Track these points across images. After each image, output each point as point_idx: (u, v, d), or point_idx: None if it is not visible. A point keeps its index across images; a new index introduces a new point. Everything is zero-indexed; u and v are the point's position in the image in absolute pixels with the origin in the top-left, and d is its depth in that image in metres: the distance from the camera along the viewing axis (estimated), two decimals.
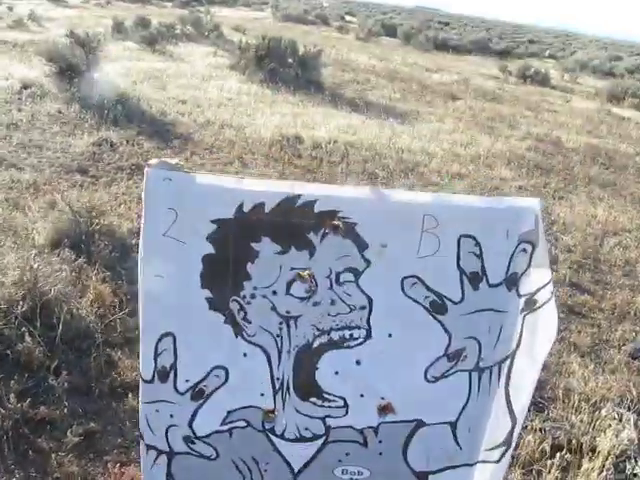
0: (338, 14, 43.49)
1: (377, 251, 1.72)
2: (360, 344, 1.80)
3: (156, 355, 1.80)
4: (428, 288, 1.75)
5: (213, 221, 1.70)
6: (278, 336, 1.80)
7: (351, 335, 1.80)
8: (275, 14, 36.43)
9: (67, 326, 3.39)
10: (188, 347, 1.80)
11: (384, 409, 1.85)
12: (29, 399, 2.88)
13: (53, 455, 2.73)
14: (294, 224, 1.71)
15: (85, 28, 13.00)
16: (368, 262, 1.73)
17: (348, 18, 43.05)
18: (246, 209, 1.69)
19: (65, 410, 2.95)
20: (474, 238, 1.72)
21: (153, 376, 1.81)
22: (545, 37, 56.82)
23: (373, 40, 27.99)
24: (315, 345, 1.80)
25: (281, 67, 13.03)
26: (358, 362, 1.81)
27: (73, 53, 10.04)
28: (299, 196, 1.69)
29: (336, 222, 1.69)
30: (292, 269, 1.73)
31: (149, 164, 1.67)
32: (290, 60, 13.37)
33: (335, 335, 1.79)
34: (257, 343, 1.80)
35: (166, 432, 1.87)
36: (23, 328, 3.23)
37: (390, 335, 1.79)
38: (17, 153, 6.52)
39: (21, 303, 3.36)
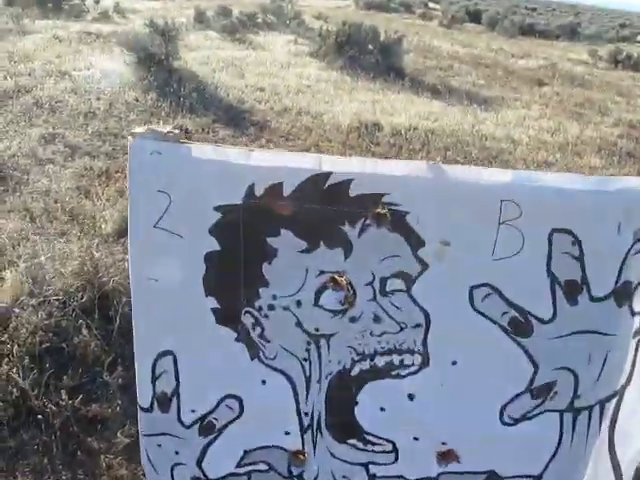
0: (422, 1, 42.70)
1: (437, 250, 1.32)
2: (413, 373, 1.41)
3: (154, 378, 1.46)
4: (507, 301, 1.34)
5: (217, 208, 1.34)
6: (305, 360, 1.42)
7: (401, 361, 1.40)
8: (357, 2, 35.93)
9: (125, 319, 3.22)
10: (192, 370, 1.45)
11: (445, 456, 1.45)
12: (81, 395, 2.75)
13: (102, 456, 2.58)
14: (323, 212, 1.31)
15: (168, 19, 13.07)
16: (424, 265, 1.33)
17: (431, 5, 42.15)
18: (258, 192, 1.31)
19: (118, 409, 2.79)
20: (572, 233, 1.28)
21: (152, 404, 1.49)
22: (638, 21, 54.43)
23: (457, 26, 27.27)
24: (354, 373, 1.42)
25: (361, 54, 12.73)
26: (411, 396, 1.43)
27: (152, 42, 10.05)
28: (329, 174, 1.29)
29: (380, 210, 1.29)
30: (321, 273, 1.36)
31: (132, 133, 1.31)
32: (371, 47, 13.02)
33: (380, 361, 1.40)
34: (279, 368, 1.44)
35: (171, 471, 1.53)
36: (80, 320, 3.10)
37: (454, 363, 1.40)
38: (92, 141, 6.49)
39: (80, 294, 3.24)
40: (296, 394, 1.45)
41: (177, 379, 1.46)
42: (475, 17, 31.75)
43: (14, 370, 2.75)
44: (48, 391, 2.74)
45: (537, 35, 26.32)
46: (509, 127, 9.10)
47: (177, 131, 1.33)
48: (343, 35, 13.04)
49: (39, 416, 2.63)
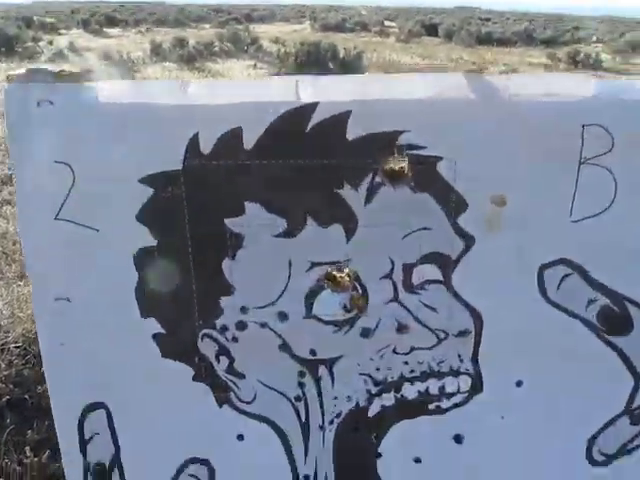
0: (377, 20, 43.03)
1: (487, 214, 0.85)
2: (460, 404, 0.96)
3: (83, 444, 1.01)
4: (594, 284, 0.89)
5: (146, 180, 0.86)
6: (298, 399, 0.96)
7: (442, 389, 0.94)
8: (314, 25, 36.33)
9: None
10: (135, 428, 1.00)
11: None
12: (48, 451, 2.46)
13: None
14: (307, 170, 0.83)
15: (124, 54, 12.87)
16: (469, 239, 0.87)
17: (387, 23, 42.50)
18: (206, 147, 0.84)
19: None
20: None
21: None
22: (590, 23, 55.48)
23: (414, 41, 27.51)
24: (372, 412, 0.97)
25: (322, 73, 12.62)
26: (458, 438, 0.98)
27: (109, 76, 9.84)
28: (313, 106, 0.81)
29: (397, 158, 0.81)
30: (313, 266, 0.88)
31: (9, 77, 0.86)
32: (331, 65, 12.97)
33: (410, 391, 0.95)
34: (260, 415, 0.98)
35: None
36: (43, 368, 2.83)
37: (519, 383, 0.95)
38: None
39: None
40: (289, 450, 0.99)
41: (115, 443, 1.01)
42: (432, 30, 32.07)
43: None
44: (9, 450, 2.46)
45: (495, 43, 26.55)
46: None
47: (77, 70, 0.89)
48: (302, 55, 12.96)
49: (1, 479, 2.35)
